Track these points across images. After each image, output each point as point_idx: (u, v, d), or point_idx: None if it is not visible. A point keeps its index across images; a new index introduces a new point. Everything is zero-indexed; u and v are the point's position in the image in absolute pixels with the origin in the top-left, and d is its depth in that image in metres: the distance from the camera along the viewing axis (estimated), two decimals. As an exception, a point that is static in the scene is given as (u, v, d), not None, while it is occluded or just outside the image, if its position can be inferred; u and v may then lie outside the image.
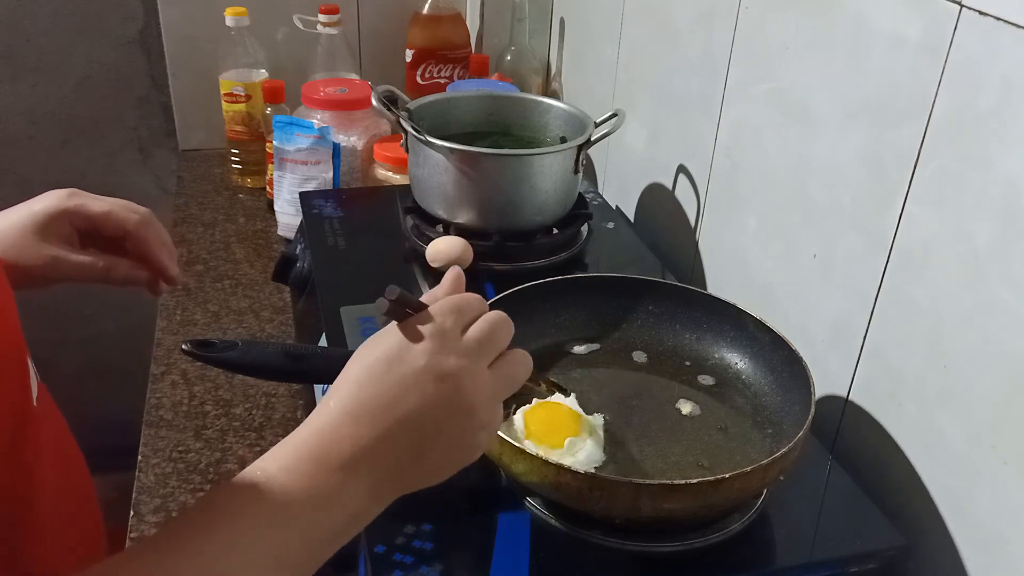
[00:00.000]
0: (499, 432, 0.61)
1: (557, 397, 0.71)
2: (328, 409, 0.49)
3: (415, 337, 0.51)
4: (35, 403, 0.56)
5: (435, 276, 0.93)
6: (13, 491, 0.53)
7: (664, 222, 1.11)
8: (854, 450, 0.77)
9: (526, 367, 0.56)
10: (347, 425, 0.48)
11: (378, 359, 0.50)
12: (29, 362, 0.56)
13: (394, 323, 0.52)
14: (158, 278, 0.72)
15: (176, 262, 0.74)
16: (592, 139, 0.99)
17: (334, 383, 0.51)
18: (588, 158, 1.07)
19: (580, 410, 0.70)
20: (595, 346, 0.81)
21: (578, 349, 0.81)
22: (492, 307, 0.76)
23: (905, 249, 0.70)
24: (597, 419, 0.70)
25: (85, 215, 0.68)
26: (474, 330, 0.53)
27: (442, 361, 0.50)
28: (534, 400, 0.72)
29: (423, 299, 0.54)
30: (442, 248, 0.93)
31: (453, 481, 0.53)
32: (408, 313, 0.52)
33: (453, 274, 0.58)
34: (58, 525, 0.59)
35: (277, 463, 0.47)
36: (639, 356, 0.80)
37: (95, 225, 0.69)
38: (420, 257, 0.95)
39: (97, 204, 0.69)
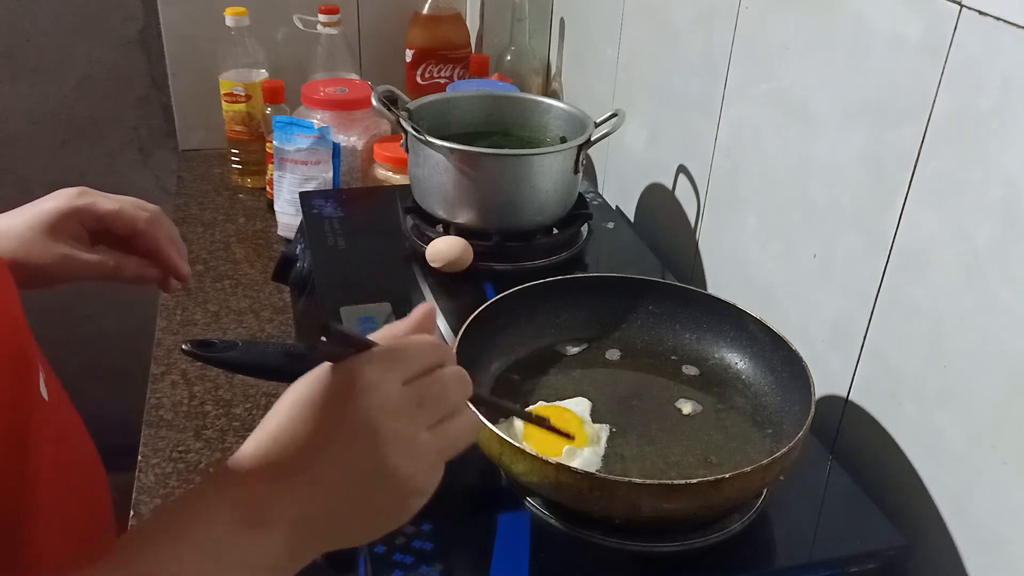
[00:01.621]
0: (499, 432, 0.61)
1: (570, 402, 0.71)
2: (246, 454, 0.46)
3: (345, 383, 0.45)
4: (46, 398, 0.56)
5: (435, 276, 0.93)
6: (14, 484, 0.53)
7: (664, 222, 1.11)
8: (854, 450, 0.77)
9: (472, 433, 0.50)
10: (262, 473, 0.45)
11: (303, 402, 0.46)
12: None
13: (327, 367, 0.47)
14: (168, 275, 0.72)
15: (186, 259, 0.73)
16: (592, 139, 0.98)
17: (263, 420, 0.47)
18: (588, 158, 1.07)
19: (588, 417, 0.70)
20: (595, 346, 0.81)
21: (577, 349, 0.81)
22: (491, 307, 0.76)
23: (905, 249, 0.70)
24: (603, 430, 0.70)
25: (95, 213, 0.68)
26: (420, 386, 0.47)
27: (369, 416, 0.44)
28: (539, 402, 0.72)
29: (379, 335, 0.49)
30: (442, 248, 0.93)
31: (453, 481, 0.52)
32: (350, 352, 0.46)
33: (421, 311, 0.51)
34: (62, 522, 0.59)
35: (207, 495, 0.45)
36: (639, 356, 0.80)
37: (105, 223, 0.69)
38: (420, 257, 0.95)
39: (107, 202, 0.69)
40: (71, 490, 0.62)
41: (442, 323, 0.85)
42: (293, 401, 0.47)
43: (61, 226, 0.66)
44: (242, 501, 0.44)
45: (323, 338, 0.45)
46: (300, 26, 1.43)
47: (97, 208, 0.68)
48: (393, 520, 0.48)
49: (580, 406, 0.72)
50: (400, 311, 0.86)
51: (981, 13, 0.61)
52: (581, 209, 1.05)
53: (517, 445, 0.61)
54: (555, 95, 1.47)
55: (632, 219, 1.20)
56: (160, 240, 0.71)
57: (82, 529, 0.64)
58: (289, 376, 0.49)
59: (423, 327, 0.51)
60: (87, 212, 0.68)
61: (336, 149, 1.20)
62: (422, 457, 0.46)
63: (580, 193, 1.05)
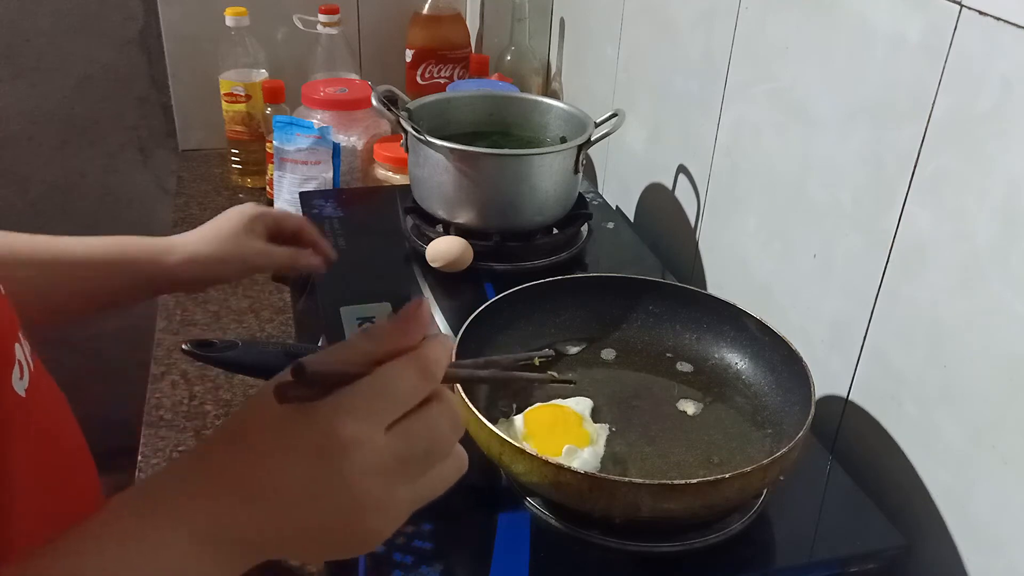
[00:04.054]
0: (499, 432, 0.61)
1: (571, 401, 0.72)
2: (213, 466, 0.43)
3: (325, 438, 0.40)
4: (21, 394, 0.55)
5: (435, 276, 0.93)
6: None
7: (664, 222, 1.11)
8: (854, 450, 0.77)
9: (455, 476, 0.45)
10: (228, 497, 0.42)
11: (278, 445, 0.41)
12: (17, 348, 0.55)
13: (305, 408, 0.40)
14: (324, 260, 0.88)
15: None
16: (592, 139, 0.98)
17: (235, 426, 0.44)
18: (588, 158, 1.07)
19: (588, 417, 0.70)
20: (594, 346, 0.81)
21: (577, 349, 0.81)
22: (491, 307, 0.76)
23: (905, 249, 0.70)
24: (603, 430, 0.70)
25: (273, 216, 0.85)
26: (406, 435, 0.42)
27: (349, 483, 0.41)
28: (537, 403, 0.72)
29: (362, 344, 0.42)
30: (442, 248, 0.93)
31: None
32: (328, 389, 0.40)
33: (412, 309, 0.44)
34: (43, 523, 0.58)
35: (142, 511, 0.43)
36: (638, 356, 0.80)
37: (279, 224, 0.85)
38: (420, 257, 0.95)
39: (275, 210, 0.88)
40: (52, 490, 0.61)
41: (442, 323, 0.85)
42: (267, 440, 0.42)
43: (252, 226, 0.82)
44: (202, 520, 0.42)
45: (295, 379, 0.39)
46: (300, 26, 1.43)
47: (273, 212, 0.86)
48: (341, 555, 0.46)
49: (581, 405, 0.72)
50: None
51: (981, 13, 0.61)
52: (581, 209, 1.05)
53: (517, 445, 0.61)
54: (555, 95, 1.47)
55: (632, 219, 1.20)
56: (316, 234, 0.88)
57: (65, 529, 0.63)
58: None
59: (415, 326, 0.44)
60: (268, 215, 0.85)
61: (336, 149, 1.20)
62: (395, 515, 0.44)
63: (580, 193, 1.05)
